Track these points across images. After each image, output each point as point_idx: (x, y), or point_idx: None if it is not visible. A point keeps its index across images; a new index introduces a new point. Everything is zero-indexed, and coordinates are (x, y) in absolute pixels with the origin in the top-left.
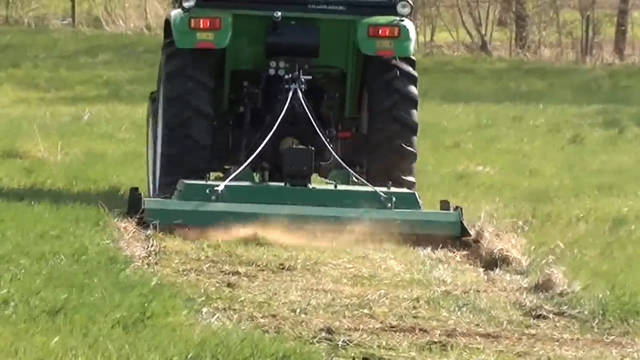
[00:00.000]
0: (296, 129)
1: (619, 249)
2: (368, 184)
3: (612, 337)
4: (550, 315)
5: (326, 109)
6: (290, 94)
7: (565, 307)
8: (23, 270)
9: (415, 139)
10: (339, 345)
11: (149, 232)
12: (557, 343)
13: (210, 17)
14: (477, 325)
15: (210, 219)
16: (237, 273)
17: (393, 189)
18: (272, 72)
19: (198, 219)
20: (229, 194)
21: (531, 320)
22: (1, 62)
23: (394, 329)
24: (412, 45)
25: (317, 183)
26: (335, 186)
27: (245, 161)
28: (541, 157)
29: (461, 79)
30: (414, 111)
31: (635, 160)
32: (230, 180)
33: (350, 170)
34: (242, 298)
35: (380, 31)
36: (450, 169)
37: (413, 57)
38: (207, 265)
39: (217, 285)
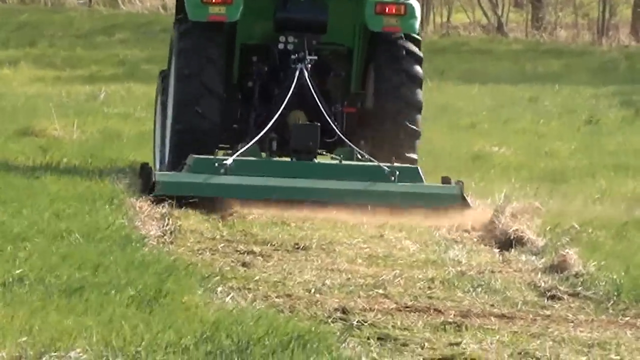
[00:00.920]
0: (303, 106)
1: (635, 229)
2: (373, 159)
3: (627, 319)
4: (565, 296)
5: (332, 85)
6: (297, 73)
7: (580, 288)
8: (38, 249)
9: (419, 117)
10: (354, 325)
11: (164, 210)
12: (571, 324)
13: None
14: (492, 305)
15: (219, 191)
16: (252, 252)
17: (396, 164)
18: (281, 46)
19: (208, 191)
20: (237, 168)
21: (546, 301)
22: (18, 41)
23: (408, 309)
24: (418, 23)
25: (323, 158)
26: (341, 161)
27: (252, 136)
28: (557, 138)
29: (477, 60)
30: (419, 90)
31: None
32: (238, 155)
33: (354, 147)
34: (257, 277)
35: (387, 9)
36: (466, 149)
37: (419, 37)
38: (222, 245)
39: (232, 264)
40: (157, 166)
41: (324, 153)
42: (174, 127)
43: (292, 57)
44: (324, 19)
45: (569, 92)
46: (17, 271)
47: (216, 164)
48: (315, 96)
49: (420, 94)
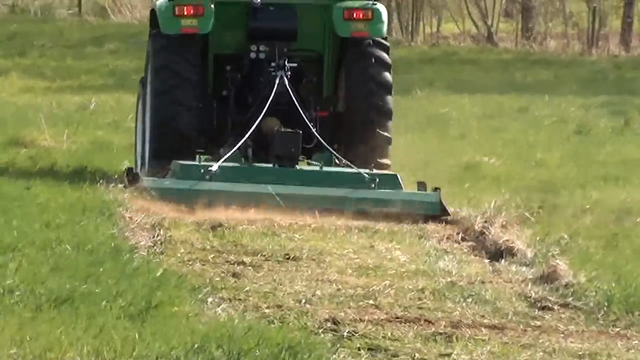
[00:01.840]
0: (279, 113)
1: (625, 240)
2: (352, 165)
3: (617, 329)
4: (556, 307)
5: (305, 91)
6: (277, 80)
7: (571, 298)
8: (28, 260)
9: (390, 123)
10: (344, 336)
11: (154, 221)
12: (562, 335)
13: (194, 5)
14: (482, 316)
15: (204, 197)
16: (243, 263)
17: (375, 171)
18: (253, 55)
19: (193, 197)
20: (222, 174)
21: (536, 311)
22: (8, 51)
23: (399, 319)
24: (385, 27)
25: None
26: (321, 168)
27: (231, 142)
28: (547, 148)
29: (467, 70)
30: (389, 97)
31: None
32: (220, 161)
33: (334, 152)
34: (248, 288)
35: (354, 14)
36: (455, 159)
37: (387, 43)
38: (213, 255)
39: (223, 275)
40: (139, 166)
41: (303, 159)
42: (152, 144)
43: (271, 64)
44: (294, 27)
45: (558, 102)
46: (7, 282)
47: (201, 170)
48: (296, 102)
49: (390, 100)
